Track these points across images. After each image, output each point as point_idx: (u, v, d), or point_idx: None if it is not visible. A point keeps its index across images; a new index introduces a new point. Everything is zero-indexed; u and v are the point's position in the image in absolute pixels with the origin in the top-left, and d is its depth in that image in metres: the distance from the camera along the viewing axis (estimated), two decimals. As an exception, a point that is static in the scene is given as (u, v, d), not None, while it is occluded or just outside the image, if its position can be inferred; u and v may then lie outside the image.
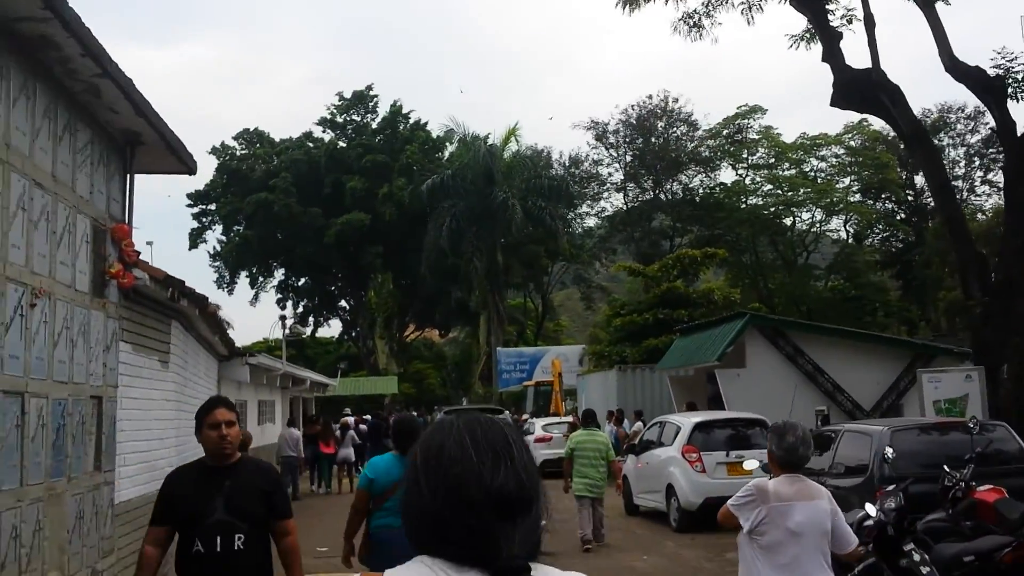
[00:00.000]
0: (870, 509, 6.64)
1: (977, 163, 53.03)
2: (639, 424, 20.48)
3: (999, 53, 17.28)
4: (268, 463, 4.90)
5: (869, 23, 18.34)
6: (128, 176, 7.46)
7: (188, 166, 8.02)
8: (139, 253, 7.41)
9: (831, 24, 19.26)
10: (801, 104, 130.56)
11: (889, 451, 8.25)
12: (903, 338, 21.21)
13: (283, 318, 22.96)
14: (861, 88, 17.42)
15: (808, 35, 21.12)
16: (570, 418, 23.02)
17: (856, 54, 20.18)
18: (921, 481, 7.87)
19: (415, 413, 42.65)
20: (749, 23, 21.15)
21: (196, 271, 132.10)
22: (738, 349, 17.49)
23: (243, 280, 54.05)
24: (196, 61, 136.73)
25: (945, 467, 7.59)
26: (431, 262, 43.26)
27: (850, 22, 19.74)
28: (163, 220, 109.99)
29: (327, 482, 21.78)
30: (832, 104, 18.06)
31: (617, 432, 21.11)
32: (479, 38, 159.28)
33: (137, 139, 7.26)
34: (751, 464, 8.33)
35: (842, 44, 18.67)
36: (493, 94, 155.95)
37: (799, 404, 16.46)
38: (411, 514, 1.45)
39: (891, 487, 7.05)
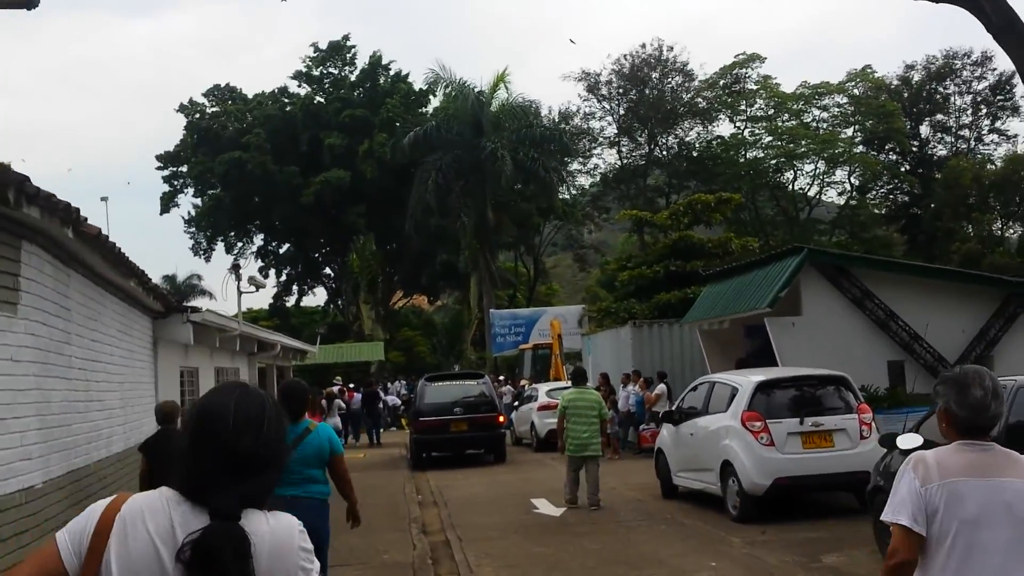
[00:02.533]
0: None
1: (984, 111, 50.57)
2: (662, 387, 17.68)
3: None
4: None
5: None
6: None
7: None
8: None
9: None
10: (801, 61, 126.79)
11: None
12: (994, 275, 18.11)
13: (236, 267, 19.60)
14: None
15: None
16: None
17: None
18: None
19: (404, 381, 39.95)
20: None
21: (173, 242, 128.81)
22: (792, 294, 14.50)
23: (221, 248, 51.52)
24: (178, 32, 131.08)
25: None
26: (417, 220, 40.62)
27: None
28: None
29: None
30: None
31: (644, 396, 18.19)
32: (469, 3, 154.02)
33: None
34: (910, 441, 5.52)
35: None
36: (478, 59, 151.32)
37: (868, 356, 13.64)
38: (178, 453, 1.92)
39: None
